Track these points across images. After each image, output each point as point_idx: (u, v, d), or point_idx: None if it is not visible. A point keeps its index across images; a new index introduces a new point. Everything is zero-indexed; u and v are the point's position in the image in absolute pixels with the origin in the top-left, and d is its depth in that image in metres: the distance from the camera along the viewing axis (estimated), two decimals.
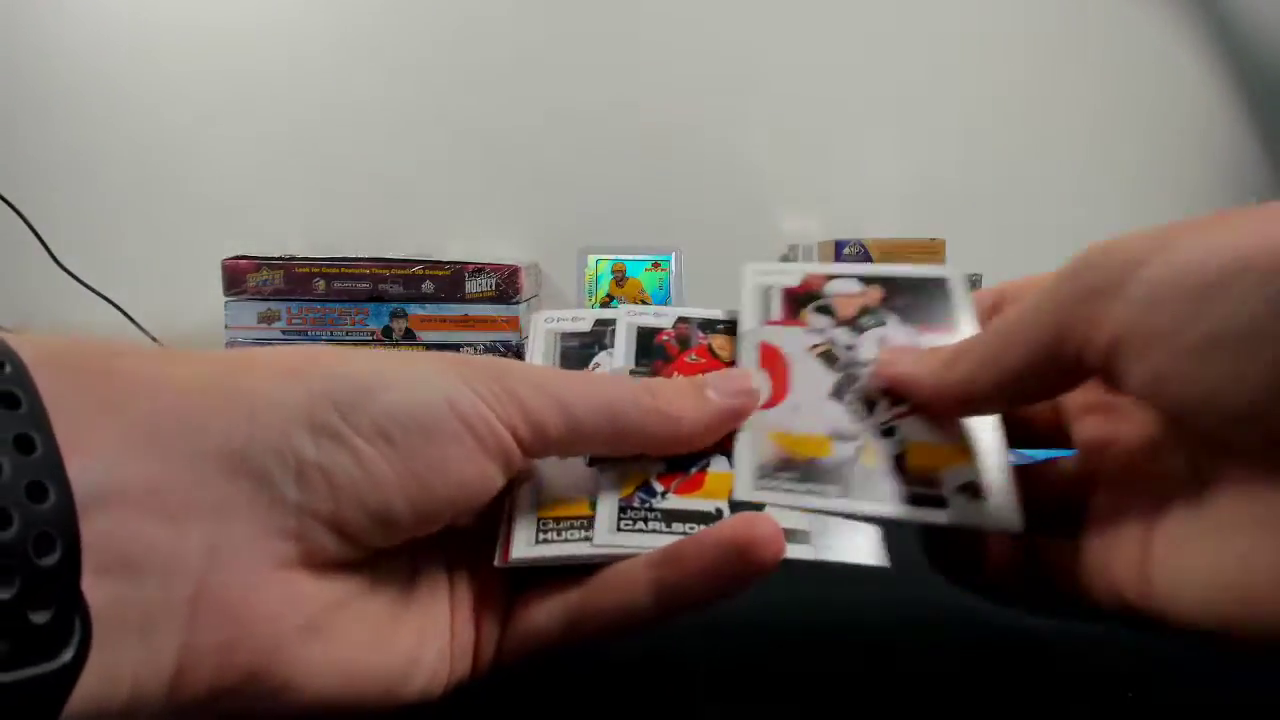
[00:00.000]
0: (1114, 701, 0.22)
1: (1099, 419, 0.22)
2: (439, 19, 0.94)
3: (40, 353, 0.15)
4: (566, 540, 0.21)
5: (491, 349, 0.76)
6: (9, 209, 0.87)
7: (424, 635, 0.20)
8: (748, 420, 0.23)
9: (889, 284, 0.25)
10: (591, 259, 0.87)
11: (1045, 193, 1.00)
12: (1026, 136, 0.99)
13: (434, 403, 0.18)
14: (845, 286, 0.25)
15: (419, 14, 0.94)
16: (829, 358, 0.24)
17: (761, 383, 0.23)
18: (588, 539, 0.21)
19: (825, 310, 0.25)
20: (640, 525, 0.21)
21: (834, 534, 0.21)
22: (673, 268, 0.87)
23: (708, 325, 0.26)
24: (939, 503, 0.21)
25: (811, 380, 0.23)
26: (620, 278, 0.87)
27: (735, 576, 0.19)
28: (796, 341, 0.24)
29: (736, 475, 0.22)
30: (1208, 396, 0.15)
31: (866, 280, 0.26)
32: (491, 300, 0.76)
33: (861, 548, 0.21)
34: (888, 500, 0.21)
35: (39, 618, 0.13)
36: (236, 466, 0.16)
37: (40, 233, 0.88)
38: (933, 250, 0.82)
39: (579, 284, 0.87)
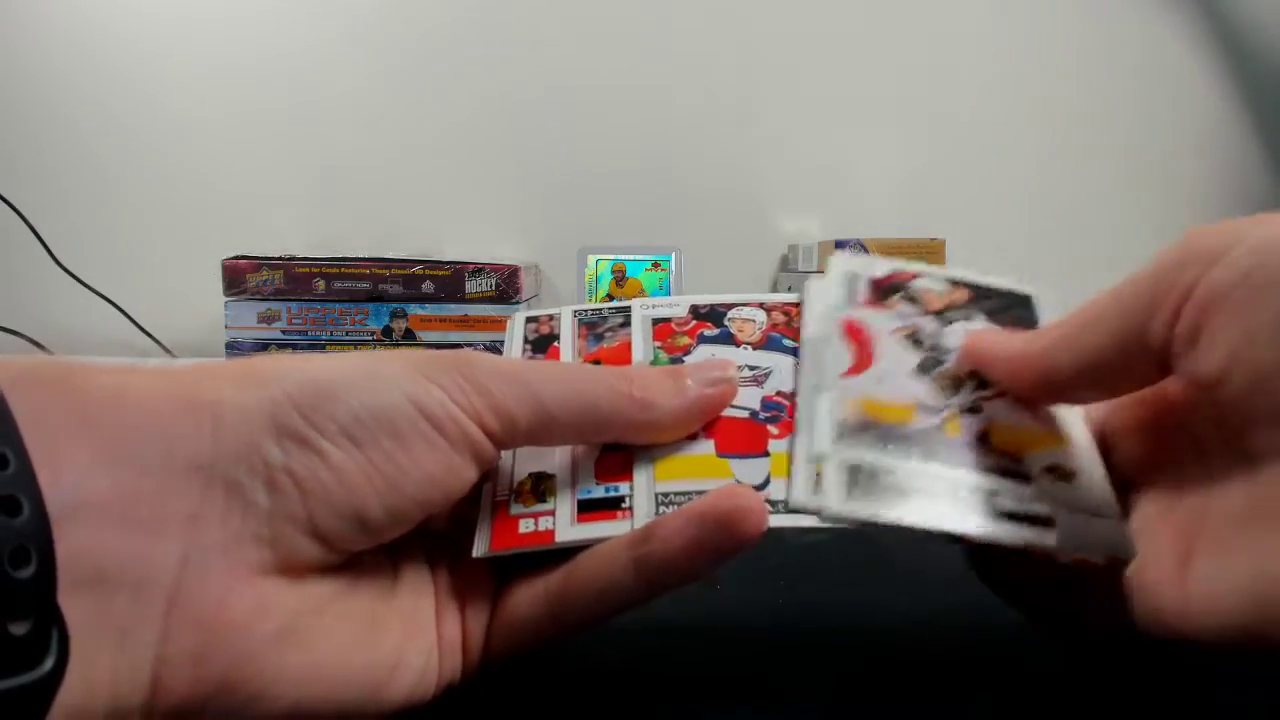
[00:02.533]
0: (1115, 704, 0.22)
1: (1138, 439, 0.21)
2: (439, 18, 0.94)
3: (9, 372, 0.15)
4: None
5: (492, 349, 0.76)
6: (9, 209, 0.87)
7: (408, 634, 0.20)
8: (826, 382, 0.22)
9: (976, 289, 0.25)
10: (591, 259, 0.87)
11: (1045, 193, 1.00)
12: (1026, 137, 0.99)
13: (397, 401, 0.18)
14: (933, 284, 0.26)
15: (419, 13, 0.93)
16: (914, 340, 0.24)
17: (843, 352, 0.23)
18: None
19: (912, 300, 0.25)
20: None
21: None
22: (673, 268, 0.87)
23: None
24: (1024, 478, 0.20)
25: (896, 357, 0.23)
26: (620, 278, 0.87)
27: (718, 549, 0.19)
28: (882, 322, 0.24)
29: (811, 431, 0.21)
30: None
31: (954, 283, 0.26)
32: (491, 300, 0.76)
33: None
34: (971, 468, 0.21)
35: (18, 629, 0.13)
36: (208, 476, 0.16)
37: (40, 233, 0.88)
38: (932, 250, 0.81)
39: (579, 284, 0.87)
